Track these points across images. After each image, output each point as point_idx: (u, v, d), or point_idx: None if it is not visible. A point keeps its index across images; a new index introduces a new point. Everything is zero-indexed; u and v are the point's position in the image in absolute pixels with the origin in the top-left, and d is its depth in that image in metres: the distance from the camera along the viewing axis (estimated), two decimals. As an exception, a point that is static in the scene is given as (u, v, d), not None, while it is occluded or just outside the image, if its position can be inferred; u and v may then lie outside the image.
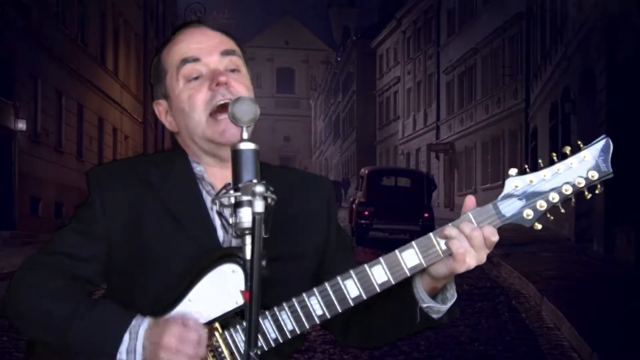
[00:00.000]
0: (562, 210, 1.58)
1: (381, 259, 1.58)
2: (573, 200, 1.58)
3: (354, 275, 1.58)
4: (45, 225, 19.46)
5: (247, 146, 1.47)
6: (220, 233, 1.67)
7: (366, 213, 18.37)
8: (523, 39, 26.31)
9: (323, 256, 1.76)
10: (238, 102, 1.51)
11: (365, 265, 1.58)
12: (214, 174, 1.72)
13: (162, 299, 1.60)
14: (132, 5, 30.43)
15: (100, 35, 25.79)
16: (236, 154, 1.46)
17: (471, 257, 1.55)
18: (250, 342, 1.41)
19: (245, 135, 1.49)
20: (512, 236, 14.57)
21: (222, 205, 1.49)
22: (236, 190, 1.44)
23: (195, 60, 1.70)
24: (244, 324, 1.54)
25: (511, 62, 28.45)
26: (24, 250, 15.13)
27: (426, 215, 18.21)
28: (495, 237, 1.56)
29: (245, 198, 1.42)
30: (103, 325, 1.55)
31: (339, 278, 1.58)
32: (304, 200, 1.76)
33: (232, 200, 1.45)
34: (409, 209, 18.28)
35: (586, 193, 1.56)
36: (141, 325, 1.54)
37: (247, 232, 1.42)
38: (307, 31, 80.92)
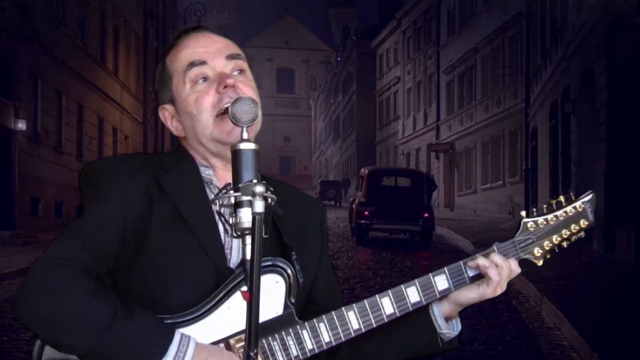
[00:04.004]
0: (556, 250, 1.83)
1: (416, 281, 1.71)
2: (565, 243, 1.84)
3: (390, 294, 1.68)
4: (45, 225, 19.46)
5: (247, 146, 1.46)
6: (222, 236, 1.65)
7: (366, 213, 18.34)
8: (523, 39, 26.30)
9: (314, 280, 1.74)
10: (238, 102, 1.51)
11: (402, 285, 1.70)
12: (224, 178, 1.69)
13: (191, 303, 1.57)
14: (132, 5, 30.40)
15: (100, 35, 25.77)
16: (236, 154, 1.46)
17: (501, 286, 1.73)
18: (251, 342, 1.41)
19: (245, 135, 1.49)
20: (511, 236, 14.51)
21: (222, 205, 1.49)
22: (236, 190, 1.44)
23: (202, 63, 1.70)
24: (283, 333, 1.59)
25: (511, 62, 28.45)
26: (24, 250, 15.14)
27: (426, 215, 18.19)
28: (518, 270, 1.75)
29: (245, 198, 1.42)
30: (146, 332, 1.49)
31: (377, 296, 1.67)
32: (301, 219, 1.75)
33: (232, 200, 1.45)
34: (408, 209, 18.24)
35: (573, 238, 1.83)
36: (190, 339, 1.52)
37: (247, 232, 1.42)
38: (307, 31, 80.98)
